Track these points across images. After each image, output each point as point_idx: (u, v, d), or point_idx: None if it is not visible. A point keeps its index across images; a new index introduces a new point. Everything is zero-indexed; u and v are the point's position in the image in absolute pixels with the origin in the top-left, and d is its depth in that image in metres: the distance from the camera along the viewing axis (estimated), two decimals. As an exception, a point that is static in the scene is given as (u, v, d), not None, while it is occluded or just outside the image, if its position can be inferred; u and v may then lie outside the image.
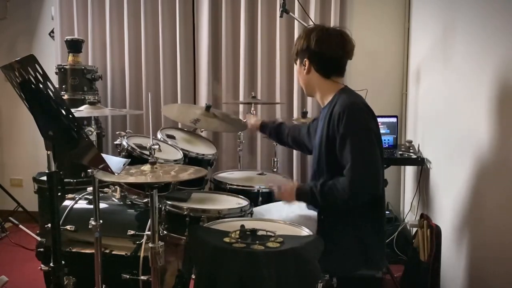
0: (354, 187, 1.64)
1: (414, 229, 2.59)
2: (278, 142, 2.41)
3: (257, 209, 2.15)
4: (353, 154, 1.65)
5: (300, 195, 1.80)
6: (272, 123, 2.37)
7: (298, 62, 1.90)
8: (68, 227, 2.17)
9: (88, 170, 1.91)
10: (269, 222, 1.83)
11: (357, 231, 1.76)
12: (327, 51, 1.81)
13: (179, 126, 3.10)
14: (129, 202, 2.28)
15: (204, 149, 2.59)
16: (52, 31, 3.89)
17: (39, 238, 2.32)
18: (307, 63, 1.84)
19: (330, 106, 1.78)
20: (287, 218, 1.88)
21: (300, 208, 1.96)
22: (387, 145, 3.00)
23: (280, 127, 2.31)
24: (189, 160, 2.38)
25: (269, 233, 1.61)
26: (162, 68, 3.67)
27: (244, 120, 2.43)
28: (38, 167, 3.67)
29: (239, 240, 1.56)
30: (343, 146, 1.68)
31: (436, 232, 2.16)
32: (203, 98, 3.61)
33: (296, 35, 3.44)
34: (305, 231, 1.72)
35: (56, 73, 3.40)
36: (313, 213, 1.87)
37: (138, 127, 3.71)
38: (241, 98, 3.58)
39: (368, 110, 1.75)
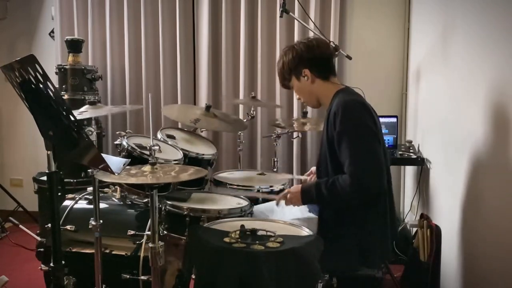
0: (356, 182, 1.62)
1: (414, 229, 2.59)
2: None
3: (257, 208, 2.15)
4: (351, 150, 1.64)
5: (306, 194, 1.77)
6: None
7: (294, 79, 1.88)
8: (68, 227, 2.17)
9: (88, 170, 1.91)
10: (269, 222, 1.83)
11: (357, 230, 1.75)
12: (319, 54, 1.83)
13: (179, 126, 3.10)
14: (129, 202, 2.28)
15: (204, 149, 2.59)
16: (52, 31, 3.89)
17: (39, 238, 2.32)
18: (308, 72, 1.82)
19: (329, 108, 1.79)
20: (288, 217, 1.88)
21: (300, 208, 1.95)
22: (387, 145, 2.99)
23: None
24: (189, 160, 2.38)
25: (269, 233, 1.61)
26: (162, 68, 3.67)
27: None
28: (38, 167, 3.67)
29: (239, 240, 1.56)
30: (340, 143, 1.68)
31: (436, 232, 2.16)
32: (203, 98, 3.61)
33: (296, 35, 3.45)
34: (305, 231, 1.72)
35: (56, 73, 3.40)
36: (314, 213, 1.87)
37: (138, 127, 3.71)
38: (241, 98, 3.58)
39: (364, 107, 1.74)
